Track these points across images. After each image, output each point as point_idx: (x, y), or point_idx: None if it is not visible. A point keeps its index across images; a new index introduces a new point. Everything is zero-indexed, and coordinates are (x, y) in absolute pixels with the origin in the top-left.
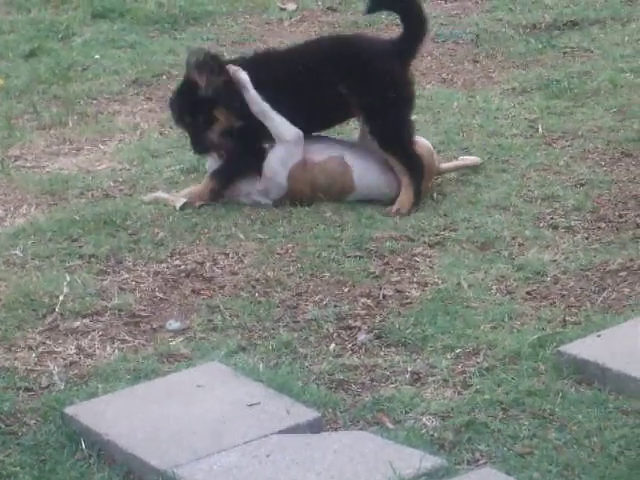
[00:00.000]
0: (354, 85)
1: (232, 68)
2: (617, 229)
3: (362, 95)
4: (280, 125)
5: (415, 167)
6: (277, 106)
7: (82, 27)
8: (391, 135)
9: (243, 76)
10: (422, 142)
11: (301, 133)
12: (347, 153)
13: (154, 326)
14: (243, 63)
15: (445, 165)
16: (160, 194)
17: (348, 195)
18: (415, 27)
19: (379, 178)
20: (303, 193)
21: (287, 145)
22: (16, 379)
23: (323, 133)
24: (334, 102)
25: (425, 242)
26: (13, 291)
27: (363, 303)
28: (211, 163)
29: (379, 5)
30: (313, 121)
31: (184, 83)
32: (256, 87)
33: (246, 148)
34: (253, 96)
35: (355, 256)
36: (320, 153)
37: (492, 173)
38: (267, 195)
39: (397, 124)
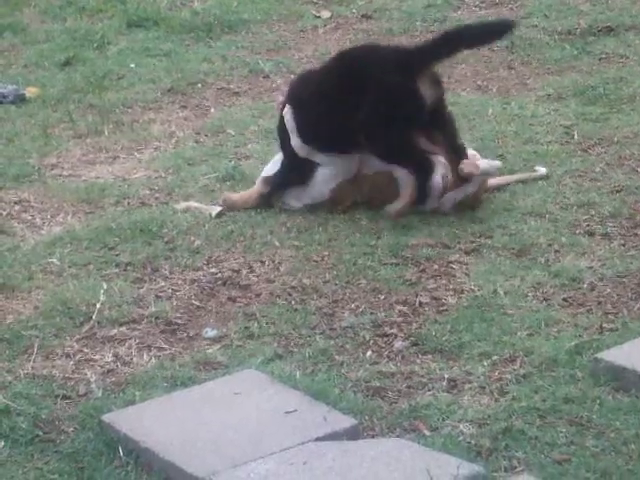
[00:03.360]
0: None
1: None
2: None
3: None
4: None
5: (421, 173)
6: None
7: (117, 36)
8: (392, 155)
9: None
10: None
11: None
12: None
13: (191, 334)
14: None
15: (494, 181)
16: (192, 203)
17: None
18: (445, 35)
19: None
20: (346, 202)
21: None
22: (54, 387)
23: None
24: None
25: (461, 249)
26: (50, 299)
27: (399, 310)
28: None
29: None
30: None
31: None
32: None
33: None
34: None
35: (391, 263)
36: (370, 166)
37: (528, 180)
38: (301, 199)
39: (396, 143)
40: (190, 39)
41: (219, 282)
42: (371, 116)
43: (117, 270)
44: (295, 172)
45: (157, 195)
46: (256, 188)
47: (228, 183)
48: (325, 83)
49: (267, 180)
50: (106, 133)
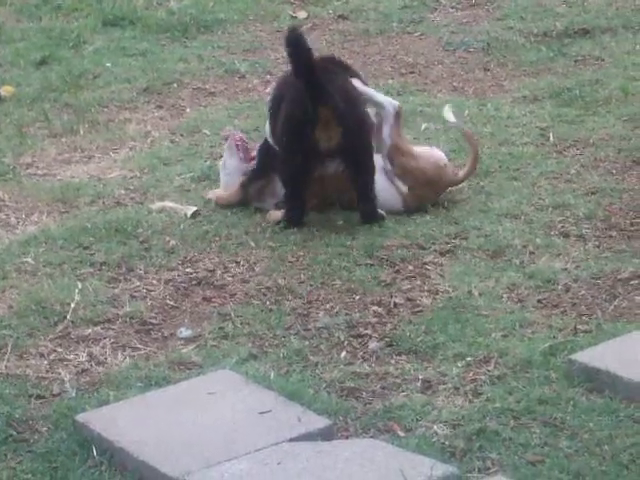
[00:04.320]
0: None
1: None
2: (628, 237)
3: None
4: None
5: (288, 214)
6: None
7: (93, 35)
8: (281, 179)
9: None
10: (431, 153)
11: None
12: None
13: (165, 334)
14: None
15: (463, 172)
16: (168, 203)
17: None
18: None
19: (383, 189)
20: (311, 203)
21: None
22: (28, 386)
23: None
24: None
25: (436, 250)
26: (24, 299)
27: (374, 311)
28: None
29: None
30: None
31: None
32: None
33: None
34: None
35: (366, 264)
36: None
37: (503, 181)
38: (272, 197)
39: (283, 170)
40: (166, 39)
41: (194, 282)
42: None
43: (92, 270)
44: (267, 164)
45: (132, 195)
46: (237, 182)
47: (203, 183)
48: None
49: (245, 172)
50: (81, 132)
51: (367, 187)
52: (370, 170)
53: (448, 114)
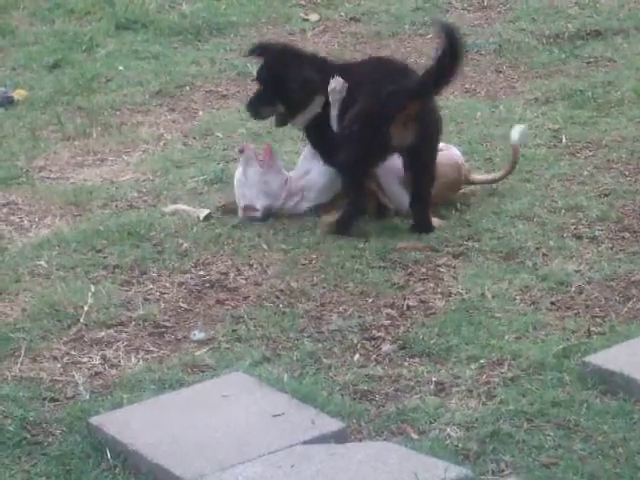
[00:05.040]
0: None
1: None
2: None
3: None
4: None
5: (349, 208)
6: None
7: (106, 38)
8: (339, 170)
9: None
10: (449, 153)
11: None
12: None
13: (178, 336)
14: None
15: (478, 177)
16: (180, 206)
17: None
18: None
19: (398, 189)
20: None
21: None
22: (41, 389)
23: None
24: None
25: (449, 252)
26: (38, 302)
27: (387, 314)
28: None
29: None
30: None
31: None
32: None
33: None
34: None
35: (379, 267)
36: None
37: (516, 183)
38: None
39: (344, 163)
40: (178, 42)
41: (207, 285)
42: (345, 130)
43: (105, 273)
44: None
45: (145, 198)
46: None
47: (216, 186)
48: None
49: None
50: (94, 136)
51: (425, 189)
52: (433, 174)
53: (515, 133)
